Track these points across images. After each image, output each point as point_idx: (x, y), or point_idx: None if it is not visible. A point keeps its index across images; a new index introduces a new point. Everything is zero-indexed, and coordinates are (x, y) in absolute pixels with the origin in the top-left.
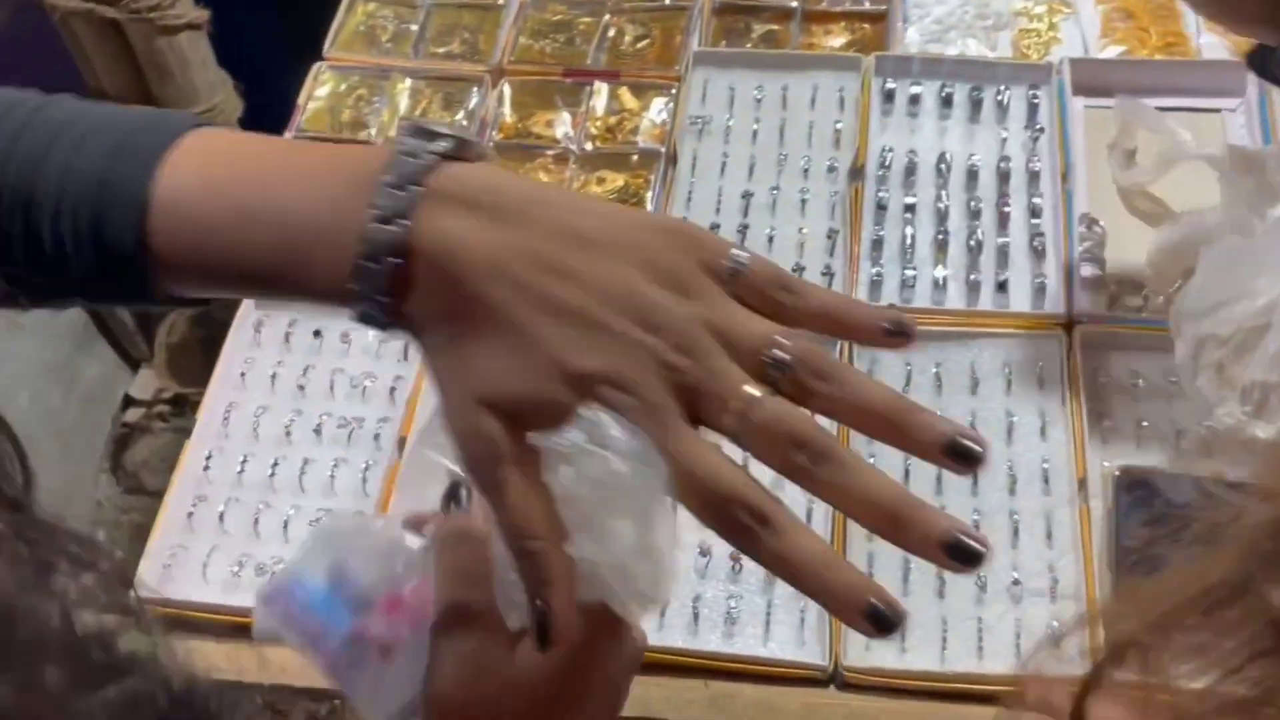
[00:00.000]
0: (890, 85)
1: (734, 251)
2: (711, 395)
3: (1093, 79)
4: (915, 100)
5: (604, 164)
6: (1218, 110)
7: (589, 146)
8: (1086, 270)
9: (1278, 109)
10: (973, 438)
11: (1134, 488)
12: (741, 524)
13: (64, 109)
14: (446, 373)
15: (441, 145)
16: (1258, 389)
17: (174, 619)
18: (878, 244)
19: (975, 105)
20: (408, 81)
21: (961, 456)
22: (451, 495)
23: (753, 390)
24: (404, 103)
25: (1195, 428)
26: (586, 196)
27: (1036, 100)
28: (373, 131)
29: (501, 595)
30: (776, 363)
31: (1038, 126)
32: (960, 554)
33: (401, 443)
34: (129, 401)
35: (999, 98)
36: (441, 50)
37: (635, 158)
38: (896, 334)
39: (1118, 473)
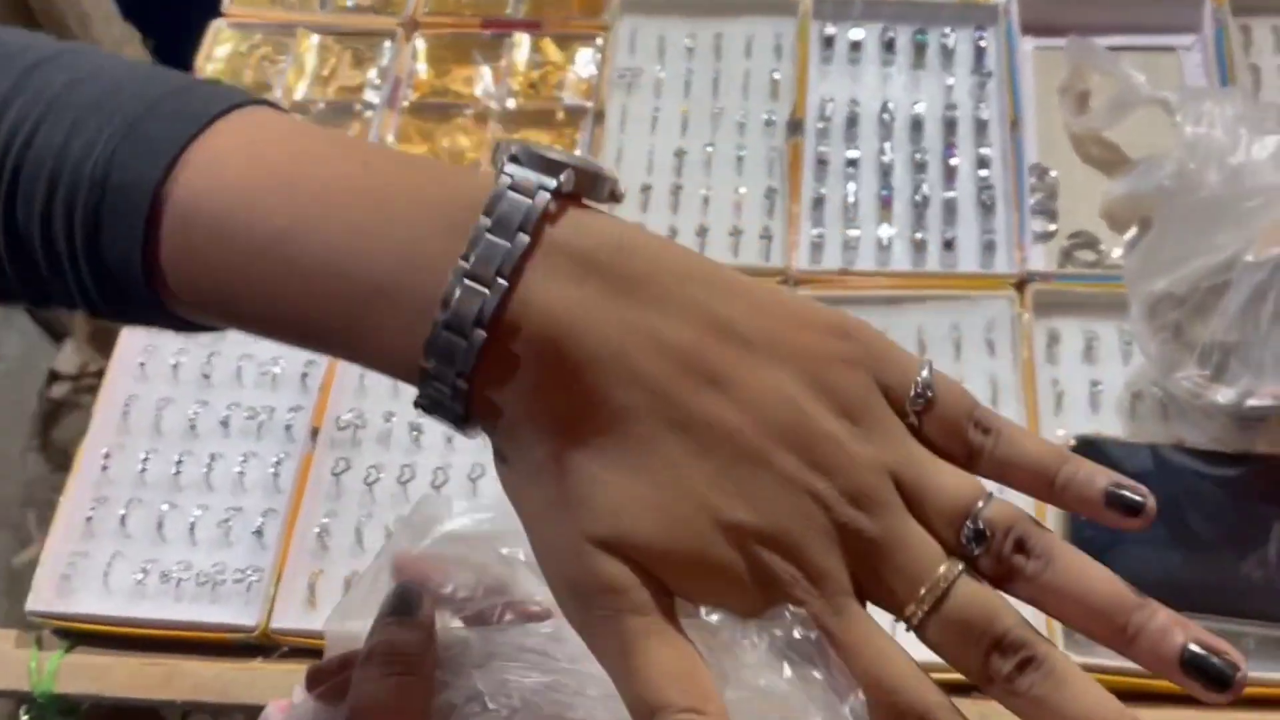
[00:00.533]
0: (830, 30)
1: (922, 373)
2: (894, 572)
3: (1043, 17)
4: (856, 46)
5: (527, 122)
6: (1173, 49)
7: (511, 104)
8: (1037, 225)
9: (1235, 44)
10: (1219, 650)
11: (1089, 457)
12: None
13: (69, 67)
14: (551, 502)
15: (561, 179)
16: (1217, 351)
17: (75, 634)
18: (818, 203)
19: (919, 50)
20: (315, 38)
21: (1206, 676)
22: (399, 605)
23: (948, 569)
24: (311, 61)
25: (1152, 391)
26: (732, 272)
27: (983, 43)
28: (278, 93)
29: None
30: (976, 535)
31: (985, 71)
32: None
33: (314, 433)
34: (54, 376)
35: (944, 41)
36: (350, 2)
37: (561, 115)
38: (1121, 508)
39: (1073, 441)
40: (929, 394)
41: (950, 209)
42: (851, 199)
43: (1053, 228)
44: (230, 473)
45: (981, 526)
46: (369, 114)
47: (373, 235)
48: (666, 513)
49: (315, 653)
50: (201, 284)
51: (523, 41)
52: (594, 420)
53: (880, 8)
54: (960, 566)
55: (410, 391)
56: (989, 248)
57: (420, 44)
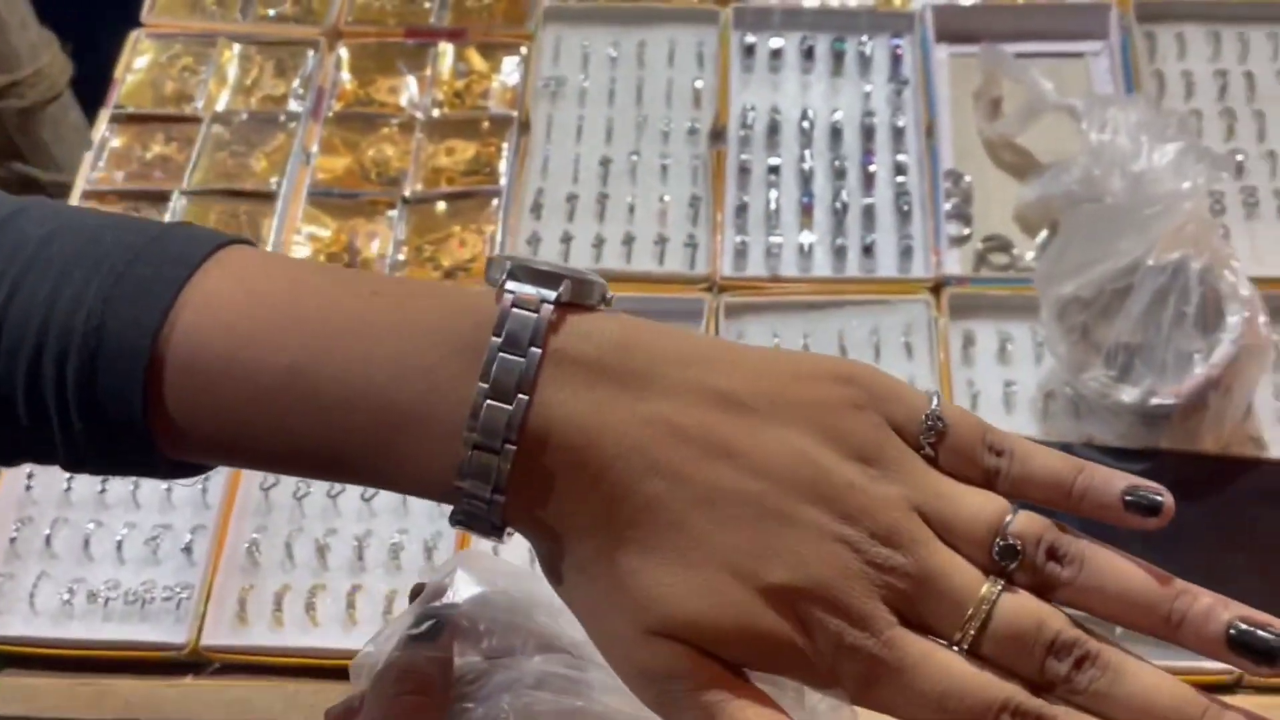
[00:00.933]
0: (750, 39)
1: (932, 405)
2: (937, 601)
3: (957, 25)
4: (777, 54)
5: (452, 132)
6: (1081, 55)
7: (436, 113)
8: (953, 229)
9: (1140, 52)
10: (1264, 624)
11: None
12: None
13: (40, 220)
14: (597, 598)
15: (561, 291)
16: (1122, 352)
17: (3, 656)
18: (741, 210)
19: (838, 58)
20: (236, 48)
21: (1253, 651)
22: (420, 630)
23: (988, 590)
24: (233, 71)
25: (1063, 390)
26: (728, 345)
27: (900, 51)
28: (199, 105)
29: None
30: (1007, 550)
31: (902, 78)
32: None
33: None
34: None
35: (861, 49)
36: (272, 12)
37: (486, 124)
38: (1141, 509)
39: None
40: (940, 424)
41: (869, 215)
42: (773, 206)
43: (967, 232)
44: (158, 489)
45: (1012, 542)
46: (293, 125)
47: (388, 364)
48: (707, 590)
49: (247, 668)
50: (207, 426)
51: (447, 50)
52: (624, 515)
53: (799, 16)
54: (1000, 585)
55: None
56: (906, 253)
57: (343, 53)
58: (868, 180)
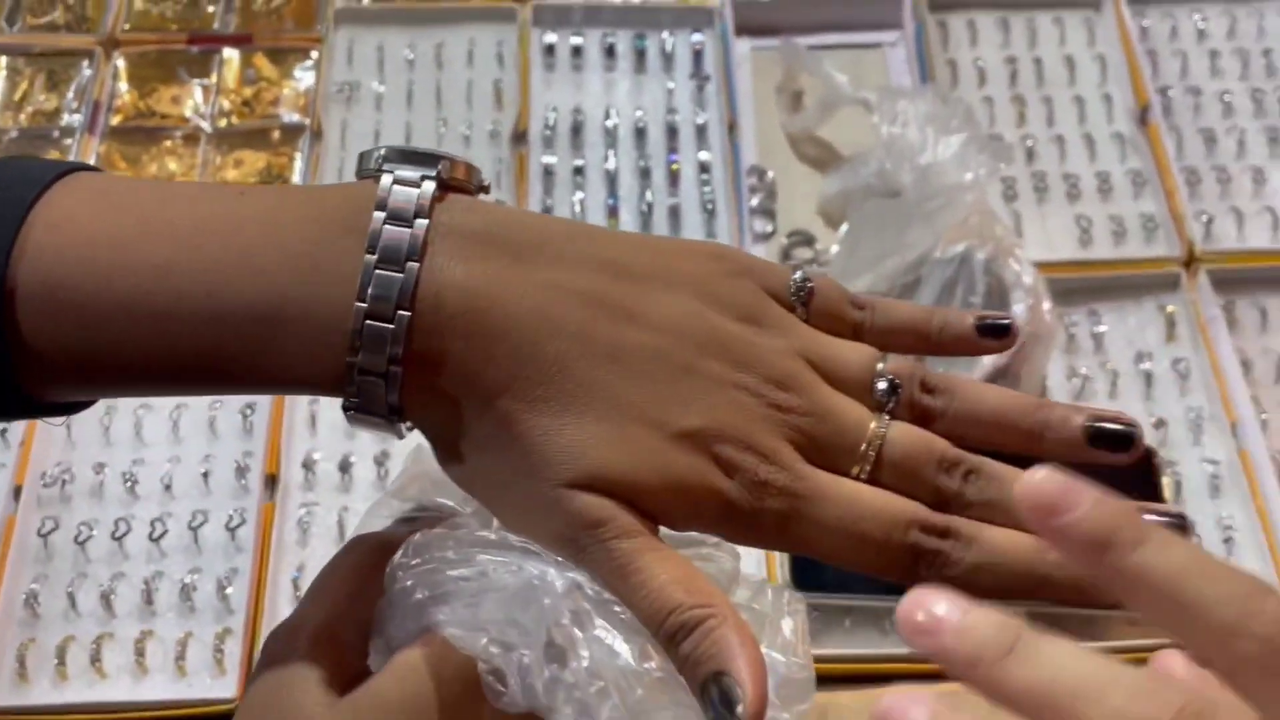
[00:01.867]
0: (550, 38)
1: (796, 273)
2: (833, 436)
3: (758, 18)
4: (578, 53)
5: (241, 143)
6: (879, 46)
7: (223, 123)
8: (758, 225)
9: (934, 43)
10: (1114, 418)
11: None
12: (927, 550)
13: None
14: (505, 469)
15: (441, 168)
16: None
17: None
18: (547, 214)
19: (640, 55)
20: (3, 59)
21: (1112, 440)
22: (413, 519)
23: (878, 423)
24: None
25: None
26: (607, 229)
27: (700, 47)
28: None
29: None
30: (889, 387)
31: (704, 74)
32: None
33: (17, 492)
34: None
35: (664, 45)
36: (43, 20)
37: (277, 133)
38: (993, 333)
39: None
40: (809, 284)
41: (675, 215)
42: (579, 209)
43: (770, 229)
44: None
45: (891, 378)
46: (67, 141)
47: (266, 250)
48: (622, 440)
49: None
50: (74, 348)
51: (233, 57)
52: (531, 374)
53: (599, 14)
54: (886, 418)
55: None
56: None
57: (121, 63)
58: (673, 179)
